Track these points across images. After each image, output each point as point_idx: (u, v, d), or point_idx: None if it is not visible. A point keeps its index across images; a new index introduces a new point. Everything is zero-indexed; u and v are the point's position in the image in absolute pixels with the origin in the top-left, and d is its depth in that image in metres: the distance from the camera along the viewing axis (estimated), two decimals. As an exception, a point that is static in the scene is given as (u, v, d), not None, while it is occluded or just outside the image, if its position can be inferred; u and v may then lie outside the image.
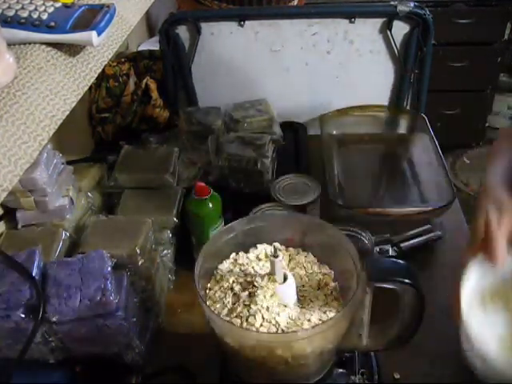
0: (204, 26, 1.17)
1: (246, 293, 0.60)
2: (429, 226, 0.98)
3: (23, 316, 0.63)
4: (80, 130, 1.22)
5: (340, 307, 0.62)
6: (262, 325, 0.57)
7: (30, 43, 0.51)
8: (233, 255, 0.67)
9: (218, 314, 0.59)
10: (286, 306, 0.59)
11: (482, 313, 0.64)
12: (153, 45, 1.47)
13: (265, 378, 0.65)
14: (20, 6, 0.51)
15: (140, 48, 1.51)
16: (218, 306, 0.61)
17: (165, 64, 1.22)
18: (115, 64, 1.28)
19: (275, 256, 0.58)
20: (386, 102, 1.28)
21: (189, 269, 0.63)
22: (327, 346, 0.62)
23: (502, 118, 2.64)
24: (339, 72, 1.24)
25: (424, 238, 0.96)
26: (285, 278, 0.60)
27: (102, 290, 0.65)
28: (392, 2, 1.13)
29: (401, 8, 1.11)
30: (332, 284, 0.64)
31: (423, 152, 1.16)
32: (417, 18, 1.13)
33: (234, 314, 0.59)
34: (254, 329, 0.57)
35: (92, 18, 0.52)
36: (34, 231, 0.83)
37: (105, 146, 1.22)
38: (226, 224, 0.70)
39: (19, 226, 0.84)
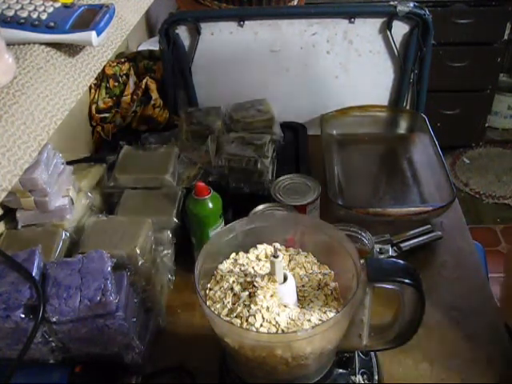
0: (204, 26, 1.17)
1: (246, 293, 0.60)
2: (429, 226, 0.98)
3: (23, 316, 0.63)
4: (80, 130, 1.22)
5: (340, 307, 0.61)
6: (261, 325, 0.57)
7: (29, 43, 0.51)
8: (233, 255, 0.67)
9: (218, 314, 0.59)
10: (285, 306, 0.59)
11: None
12: (153, 45, 1.47)
13: (265, 377, 0.65)
14: (19, 6, 0.51)
15: (140, 48, 1.51)
16: (218, 306, 0.61)
17: (165, 64, 1.22)
18: (115, 64, 1.28)
19: (275, 256, 0.58)
20: (385, 102, 1.28)
21: (189, 269, 0.63)
22: (327, 346, 0.62)
23: (502, 117, 2.64)
24: (339, 72, 1.24)
25: (424, 238, 0.96)
26: (285, 278, 0.60)
27: (102, 290, 0.65)
28: (392, 2, 1.13)
29: (400, 8, 1.11)
30: (332, 284, 0.64)
31: (423, 152, 1.16)
32: (416, 18, 1.13)
33: (234, 314, 0.59)
34: (253, 329, 0.57)
35: (91, 18, 0.52)
36: (34, 231, 0.83)
37: (105, 146, 1.23)
38: (226, 224, 0.70)
39: (19, 226, 0.84)
